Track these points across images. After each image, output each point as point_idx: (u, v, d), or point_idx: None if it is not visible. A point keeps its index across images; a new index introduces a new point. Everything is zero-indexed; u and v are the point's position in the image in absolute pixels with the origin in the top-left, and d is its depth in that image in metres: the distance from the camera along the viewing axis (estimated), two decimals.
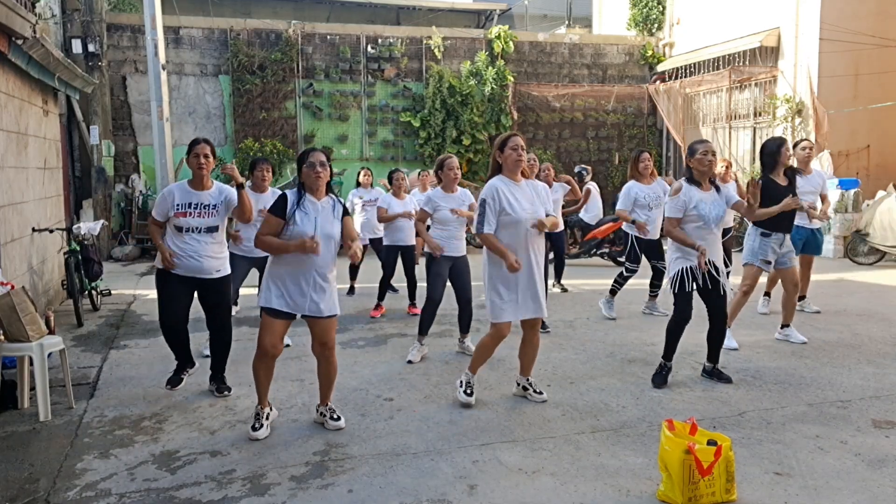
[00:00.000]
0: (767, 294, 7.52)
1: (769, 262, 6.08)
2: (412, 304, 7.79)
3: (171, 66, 13.46)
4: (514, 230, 4.45)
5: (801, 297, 7.51)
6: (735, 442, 3.70)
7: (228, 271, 5.05)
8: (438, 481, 3.59)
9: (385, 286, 7.80)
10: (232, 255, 5.94)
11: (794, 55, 13.09)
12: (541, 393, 4.82)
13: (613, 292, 7.49)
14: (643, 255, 7.30)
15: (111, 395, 5.07)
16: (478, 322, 6.48)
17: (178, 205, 4.78)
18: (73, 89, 9.44)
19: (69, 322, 7.36)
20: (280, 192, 4.30)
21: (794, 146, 7.31)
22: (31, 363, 4.71)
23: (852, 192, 11.82)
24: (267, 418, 4.28)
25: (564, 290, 9.01)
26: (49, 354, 4.74)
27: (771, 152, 5.96)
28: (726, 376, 5.15)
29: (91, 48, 12.67)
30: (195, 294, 4.99)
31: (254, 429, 4.20)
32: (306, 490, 3.53)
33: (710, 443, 3.31)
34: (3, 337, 4.65)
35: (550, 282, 8.97)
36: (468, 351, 5.90)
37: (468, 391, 4.69)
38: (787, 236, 6.11)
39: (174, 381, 5.15)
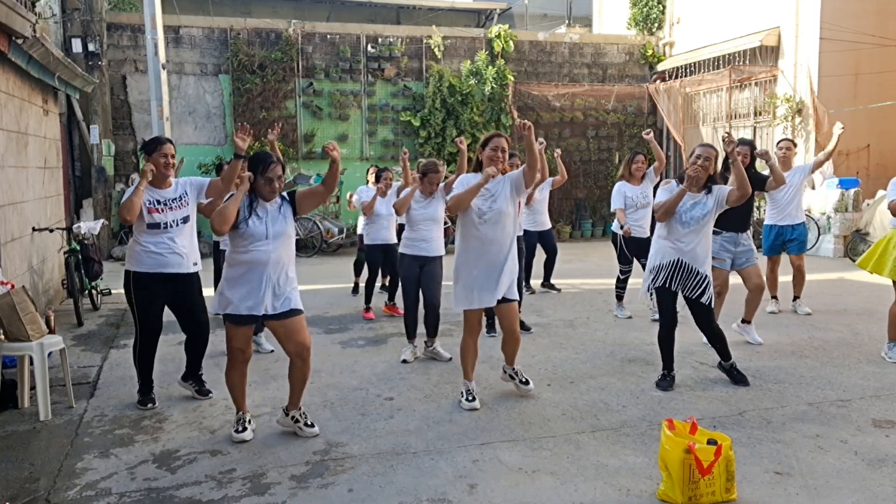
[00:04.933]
0: (774, 297, 7.50)
1: (723, 261, 6.06)
2: (390, 304, 7.77)
3: (171, 66, 13.45)
4: (478, 221, 4.53)
5: (795, 297, 7.53)
6: (735, 441, 3.70)
7: (201, 266, 4.93)
8: (438, 481, 3.60)
9: (371, 287, 7.75)
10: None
11: (795, 55, 13.08)
12: (527, 383, 4.86)
13: (619, 297, 7.51)
14: (635, 256, 7.31)
15: (111, 395, 5.08)
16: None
17: (146, 201, 4.61)
18: (73, 89, 9.43)
19: (69, 321, 7.36)
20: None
21: (776, 145, 7.39)
22: (32, 363, 4.71)
23: (852, 191, 11.81)
24: (249, 423, 4.25)
25: (557, 290, 8.96)
26: (49, 354, 4.74)
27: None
28: (744, 379, 5.08)
29: (91, 47, 12.66)
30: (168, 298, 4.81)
31: (237, 431, 4.18)
32: (306, 489, 3.53)
33: (710, 442, 3.31)
34: (3, 336, 4.65)
35: (540, 282, 8.96)
36: (436, 354, 5.87)
37: (469, 398, 4.68)
38: (742, 237, 6.09)
39: (151, 400, 4.81)
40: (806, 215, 7.92)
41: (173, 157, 4.69)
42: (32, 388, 4.72)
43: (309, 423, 4.26)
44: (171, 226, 4.66)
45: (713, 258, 5.96)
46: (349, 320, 7.49)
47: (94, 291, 8.15)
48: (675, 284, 4.94)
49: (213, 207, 4.72)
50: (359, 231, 8.88)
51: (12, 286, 4.89)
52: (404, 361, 5.78)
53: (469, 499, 3.41)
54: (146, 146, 4.73)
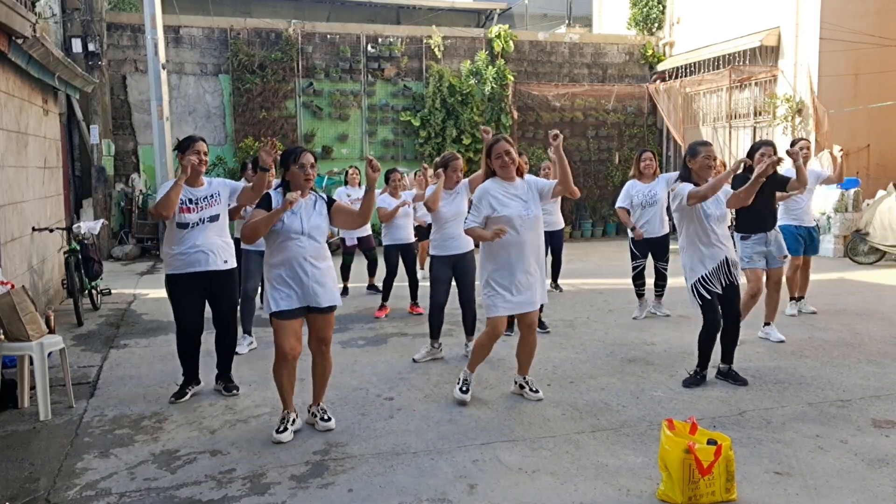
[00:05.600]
0: (793, 298, 7.48)
1: (758, 261, 6.09)
2: (414, 304, 7.78)
3: (171, 66, 13.45)
4: (516, 231, 4.51)
5: (800, 298, 7.52)
6: (735, 441, 3.70)
7: (235, 264, 5.01)
8: (438, 480, 3.60)
9: (389, 286, 7.76)
10: (247, 253, 5.97)
11: (795, 55, 13.08)
12: (536, 391, 4.85)
13: (640, 295, 7.46)
14: (645, 254, 7.31)
15: (111, 395, 5.08)
16: (479, 322, 6.46)
17: (179, 200, 4.68)
18: (73, 88, 9.44)
19: (69, 321, 7.36)
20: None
21: (791, 146, 7.32)
22: (31, 362, 4.71)
23: (852, 191, 11.81)
24: (292, 423, 4.23)
25: (560, 290, 8.97)
26: (49, 354, 4.74)
27: (748, 152, 6.00)
28: (742, 378, 5.10)
29: (91, 47, 12.67)
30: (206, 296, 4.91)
31: (277, 431, 4.16)
32: (306, 489, 3.53)
33: (710, 442, 3.31)
34: (3, 336, 4.65)
35: (548, 282, 8.97)
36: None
37: (464, 388, 4.73)
38: (772, 234, 6.11)
39: (180, 395, 4.92)
40: None
41: (206, 154, 4.82)
42: (32, 387, 4.72)
43: (325, 417, 4.33)
44: (198, 224, 4.74)
45: (746, 260, 6.02)
46: (349, 320, 7.48)
47: (94, 291, 8.15)
48: (723, 284, 4.93)
49: (237, 210, 4.97)
50: (341, 233, 8.96)
51: (12, 286, 4.89)
52: (414, 361, 5.77)
53: (469, 499, 3.41)
54: (180, 144, 4.83)
